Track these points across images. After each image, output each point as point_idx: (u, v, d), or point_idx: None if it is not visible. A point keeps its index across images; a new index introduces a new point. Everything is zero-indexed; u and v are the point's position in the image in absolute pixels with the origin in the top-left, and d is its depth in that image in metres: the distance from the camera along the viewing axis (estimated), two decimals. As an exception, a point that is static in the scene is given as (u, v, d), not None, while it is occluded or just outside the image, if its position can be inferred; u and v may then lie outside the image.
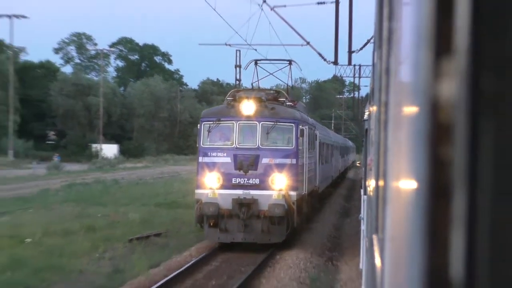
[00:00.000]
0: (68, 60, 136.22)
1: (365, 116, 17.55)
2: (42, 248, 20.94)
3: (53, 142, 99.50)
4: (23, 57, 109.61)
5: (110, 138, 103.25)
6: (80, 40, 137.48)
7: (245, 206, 18.14)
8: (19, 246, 21.34)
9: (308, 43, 31.32)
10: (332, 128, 78.95)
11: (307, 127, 20.85)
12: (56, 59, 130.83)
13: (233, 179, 18.64)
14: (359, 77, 58.86)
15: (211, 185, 18.60)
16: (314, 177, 25.61)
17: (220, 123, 18.99)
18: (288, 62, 27.75)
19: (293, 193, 18.77)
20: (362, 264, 11.11)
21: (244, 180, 18.53)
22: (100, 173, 66.90)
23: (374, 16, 6.25)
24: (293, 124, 19.04)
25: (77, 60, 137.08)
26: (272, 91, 23.15)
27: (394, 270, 1.69)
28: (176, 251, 20.95)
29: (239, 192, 18.43)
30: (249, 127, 18.89)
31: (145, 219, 28.32)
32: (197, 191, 19.10)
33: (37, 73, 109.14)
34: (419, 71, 0.82)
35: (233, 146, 18.81)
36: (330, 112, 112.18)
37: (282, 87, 36.02)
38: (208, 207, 18.20)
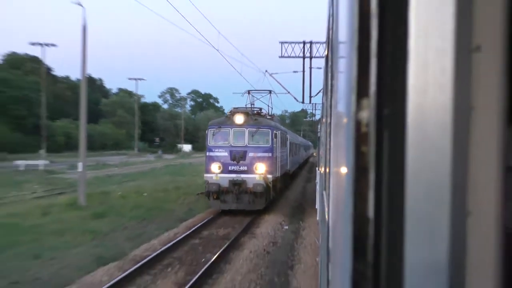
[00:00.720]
0: (165, 101, 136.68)
1: (318, 129, 17.49)
2: (152, 198, 21.07)
3: (158, 144, 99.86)
4: (143, 100, 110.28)
5: (187, 141, 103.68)
6: (171, 91, 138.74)
7: (237, 185, 16.23)
8: (140, 197, 21.47)
9: (288, 92, 31.28)
10: (301, 135, 79.06)
11: (279, 132, 18.48)
12: (159, 101, 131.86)
13: (229, 166, 16.41)
14: (315, 109, 58.94)
15: (214, 171, 16.45)
16: (286, 164, 22.62)
17: (221, 129, 16.82)
18: (269, 91, 25.06)
19: (269, 176, 16.60)
20: (317, 206, 11.07)
21: (237, 168, 16.38)
22: (182, 160, 67.15)
23: (323, 77, 6.24)
24: (269, 130, 16.87)
25: (170, 102, 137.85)
26: (256, 109, 20.29)
27: (334, 211, 1.66)
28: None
29: (233, 175, 16.30)
30: (240, 132, 16.66)
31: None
32: (205, 175, 16.90)
33: (149, 108, 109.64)
34: (348, 106, 0.81)
35: (229, 144, 16.59)
36: (300, 128, 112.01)
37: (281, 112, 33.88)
38: (212, 185, 16.27)
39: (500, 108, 0.57)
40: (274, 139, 17.09)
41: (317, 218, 11.02)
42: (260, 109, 20.86)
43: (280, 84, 30.71)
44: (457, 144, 0.57)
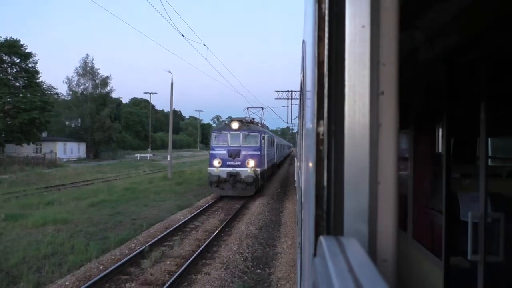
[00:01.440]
0: (214, 122, 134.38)
1: (296, 137, 16.97)
2: (207, 174, 20.92)
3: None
4: (202, 122, 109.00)
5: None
6: (217, 117, 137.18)
7: (233, 176, 12.45)
8: (201, 173, 21.45)
9: (280, 117, 31.69)
10: (286, 140, 77.06)
11: (267, 135, 14.43)
12: (211, 122, 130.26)
13: (227, 162, 12.54)
14: (294, 126, 58.09)
15: (216, 165, 12.59)
16: (273, 159, 17.57)
17: (221, 133, 12.99)
18: (261, 108, 20.50)
19: (258, 169, 12.70)
20: (296, 179, 10.99)
21: (233, 162, 12.52)
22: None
23: (298, 109, 6.19)
24: (258, 134, 13.00)
25: (216, 123, 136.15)
26: (249, 118, 15.46)
27: (305, 182, 1.66)
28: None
29: (230, 169, 12.49)
30: (236, 135, 12.83)
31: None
32: (209, 168, 12.92)
33: (206, 127, 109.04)
34: (312, 124, 0.81)
35: (227, 145, 12.76)
36: (286, 136, 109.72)
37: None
38: (214, 177, 12.48)
39: (394, 125, 0.58)
40: (262, 141, 13.37)
41: (296, 185, 10.94)
42: (253, 119, 16.36)
43: (275, 113, 30.86)
44: (372, 145, 0.57)
